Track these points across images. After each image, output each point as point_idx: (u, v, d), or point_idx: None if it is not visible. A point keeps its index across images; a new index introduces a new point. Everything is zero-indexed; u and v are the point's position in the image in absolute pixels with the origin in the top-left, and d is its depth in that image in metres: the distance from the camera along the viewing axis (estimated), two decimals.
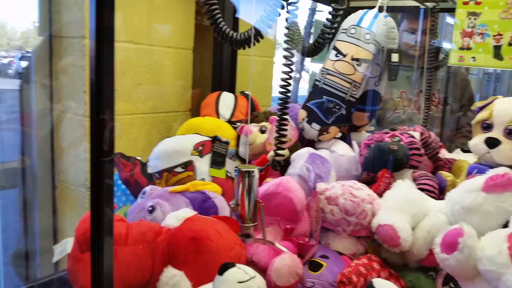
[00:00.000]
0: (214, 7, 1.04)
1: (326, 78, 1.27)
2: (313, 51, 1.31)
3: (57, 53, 1.44)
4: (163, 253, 0.76)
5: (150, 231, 0.77)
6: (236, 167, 0.90)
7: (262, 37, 1.45)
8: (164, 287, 0.74)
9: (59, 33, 1.42)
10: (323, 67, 1.30)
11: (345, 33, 1.28)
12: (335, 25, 1.37)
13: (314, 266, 0.98)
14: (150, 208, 0.94)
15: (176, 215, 0.83)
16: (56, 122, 1.47)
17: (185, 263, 0.75)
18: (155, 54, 1.59)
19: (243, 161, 1.34)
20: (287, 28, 1.51)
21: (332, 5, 1.46)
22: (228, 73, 1.73)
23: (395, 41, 1.29)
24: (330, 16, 1.22)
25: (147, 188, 1.03)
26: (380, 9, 1.29)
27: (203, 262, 0.75)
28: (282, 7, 1.34)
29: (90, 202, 0.63)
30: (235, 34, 1.10)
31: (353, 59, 1.25)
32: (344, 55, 1.25)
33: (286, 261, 0.79)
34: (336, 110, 1.26)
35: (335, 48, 1.29)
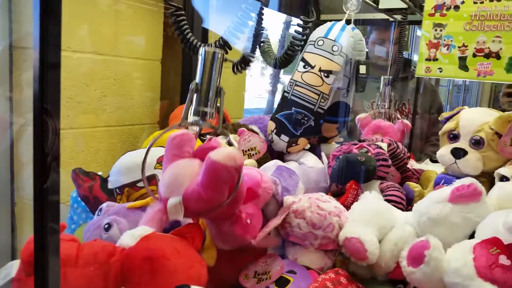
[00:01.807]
0: (181, 18, 1.02)
1: (294, 89, 1.26)
2: (283, 63, 1.30)
3: (18, 65, 1.39)
4: (116, 274, 0.72)
5: (102, 252, 0.73)
6: (202, 45, 0.85)
7: (230, 48, 1.43)
8: None
9: (19, 44, 1.37)
10: (291, 79, 1.29)
11: (313, 44, 1.28)
12: (304, 37, 1.38)
13: (281, 282, 0.95)
14: (106, 226, 0.89)
15: (132, 233, 0.78)
16: (16, 136, 1.41)
17: (140, 285, 0.71)
18: (122, 65, 1.55)
19: None
20: (260, 42, 1.51)
21: (301, 17, 1.46)
22: None
23: (362, 53, 1.29)
24: (299, 29, 1.22)
25: (104, 205, 0.98)
26: (348, 22, 1.29)
27: (159, 283, 0.71)
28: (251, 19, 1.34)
29: (34, 219, 0.58)
30: (203, 45, 1.08)
31: (321, 70, 1.24)
32: (312, 67, 1.25)
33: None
34: (304, 122, 1.24)
35: (303, 60, 1.28)
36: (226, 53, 1.46)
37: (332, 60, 1.24)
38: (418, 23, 1.88)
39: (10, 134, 1.41)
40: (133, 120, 1.62)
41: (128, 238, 0.77)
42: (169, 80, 1.72)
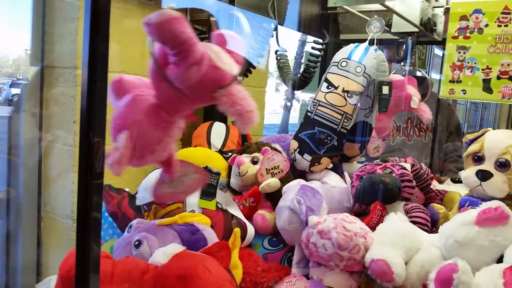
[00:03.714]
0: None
1: (317, 109, 1.28)
2: (300, 85, 1.33)
3: (48, 83, 1.43)
4: None
5: (136, 269, 0.74)
6: None
7: (254, 67, 1.47)
8: None
9: (51, 63, 1.42)
10: (314, 99, 1.31)
11: (336, 65, 1.30)
12: (319, 59, 1.41)
13: None
14: (137, 243, 0.91)
15: (163, 251, 0.80)
16: (45, 152, 1.45)
17: None
18: None
19: (234, 192, 1.32)
20: (277, 58, 1.55)
21: (314, 40, 1.50)
22: None
23: (385, 73, 1.31)
24: (314, 51, 1.25)
25: (134, 222, 1.00)
26: (371, 43, 1.31)
27: None
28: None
29: (76, 237, 0.60)
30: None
31: (344, 91, 1.26)
32: (336, 87, 1.27)
33: None
34: (327, 141, 1.26)
35: (326, 80, 1.30)
36: (250, 72, 1.49)
37: (355, 81, 1.26)
38: (434, 43, 1.90)
39: (38, 150, 1.45)
40: None
41: (160, 256, 0.79)
42: None
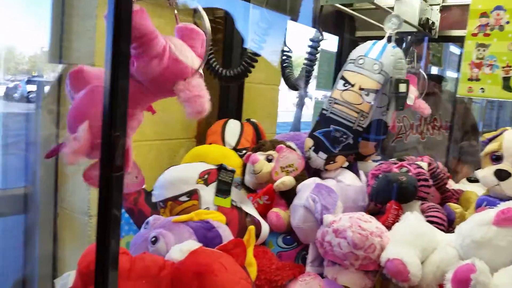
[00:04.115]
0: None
1: (333, 107, 1.27)
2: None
3: (65, 80, 1.45)
4: None
5: (153, 265, 0.75)
6: None
7: (250, 71, 1.44)
8: None
9: (68, 60, 1.43)
10: (330, 96, 1.30)
11: (353, 63, 1.29)
12: (316, 57, 1.39)
13: None
14: (153, 239, 0.92)
15: (180, 248, 0.81)
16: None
17: None
18: None
19: (249, 190, 1.33)
20: (282, 58, 1.55)
21: (309, 38, 1.50)
22: (235, 100, 1.73)
23: (403, 71, 1.29)
24: (309, 49, 1.25)
25: (151, 218, 1.01)
26: (389, 40, 1.29)
27: None
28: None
29: (97, 232, 0.61)
30: (224, 70, 1.14)
31: (360, 89, 1.25)
32: (352, 85, 1.26)
33: None
34: (343, 139, 1.25)
35: (342, 78, 1.29)
36: (253, 66, 1.47)
37: (372, 79, 1.25)
38: (448, 40, 1.90)
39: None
40: (172, 135, 1.65)
41: (177, 253, 0.80)
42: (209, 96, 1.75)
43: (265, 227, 1.18)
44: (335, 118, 1.26)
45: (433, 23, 1.72)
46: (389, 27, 1.27)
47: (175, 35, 0.83)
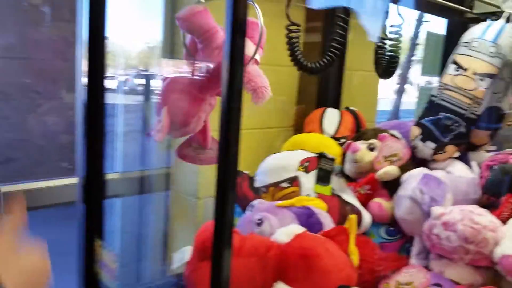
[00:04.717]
0: (294, 34, 1.10)
1: (443, 93, 1.20)
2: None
3: None
4: (274, 268, 0.77)
5: (261, 245, 0.79)
6: None
7: (331, 64, 1.39)
8: None
9: (179, 55, 1.54)
10: (440, 82, 1.23)
11: (466, 46, 1.20)
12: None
13: None
14: (259, 221, 0.96)
15: (285, 231, 0.84)
16: None
17: (296, 280, 0.75)
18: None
19: (348, 179, 1.31)
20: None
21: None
22: (334, 89, 1.72)
23: None
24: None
25: (255, 202, 1.06)
26: (507, 20, 1.18)
27: (314, 281, 0.74)
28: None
29: (215, 212, 0.66)
30: (305, 61, 1.14)
31: (474, 73, 1.16)
32: (465, 69, 1.17)
33: None
34: (454, 128, 1.17)
35: (454, 62, 1.20)
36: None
37: (488, 62, 1.15)
38: None
39: None
40: (270, 124, 1.70)
41: (282, 235, 0.83)
42: (306, 85, 1.76)
43: (366, 217, 1.17)
44: (445, 105, 1.19)
45: None
46: (509, 6, 1.15)
47: None
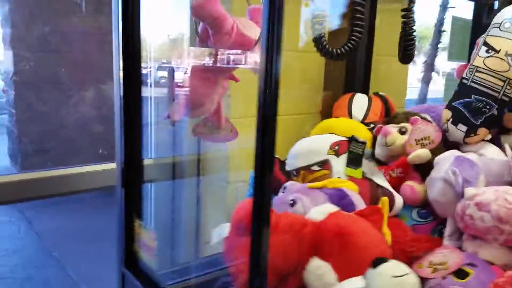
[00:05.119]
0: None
1: (475, 75, 1.18)
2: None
3: None
4: (309, 244, 0.80)
5: (297, 222, 0.81)
6: None
7: (355, 49, 1.38)
8: (310, 277, 0.77)
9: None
10: (471, 64, 1.21)
11: (497, 27, 1.18)
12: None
13: (460, 274, 0.93)
14: (292, 202, 0.99)
15: (320, 210, 0.86)
16: None
17: (331, 256, 0.77)
18: (288, 58, 1.65)
19: (379, 162, 1.32)
20: None
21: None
22: (362, 74, 1.72)
23: None
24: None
25: (288, 184, 1.08)
26: None
27: (349, 256, 0.76)
28: None
29: (255, 191, 0.69)
30: (331, 48, 1.17)
31: (507, 54, 1.14)
32: (497, 51, 1.15)
33: None
34: (486, 110, 1.16)
35: (485, 44, 1.19)
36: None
37: None
38: None
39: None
40: (297, 110, 1.71)
41: (317, 214, 0.85)
42: (333, 71, 1.77)
43: (398, 200, 1.17)
44: (477, 88, 1.18)
45: None
46: None
47: (247, 15, 1.06)
